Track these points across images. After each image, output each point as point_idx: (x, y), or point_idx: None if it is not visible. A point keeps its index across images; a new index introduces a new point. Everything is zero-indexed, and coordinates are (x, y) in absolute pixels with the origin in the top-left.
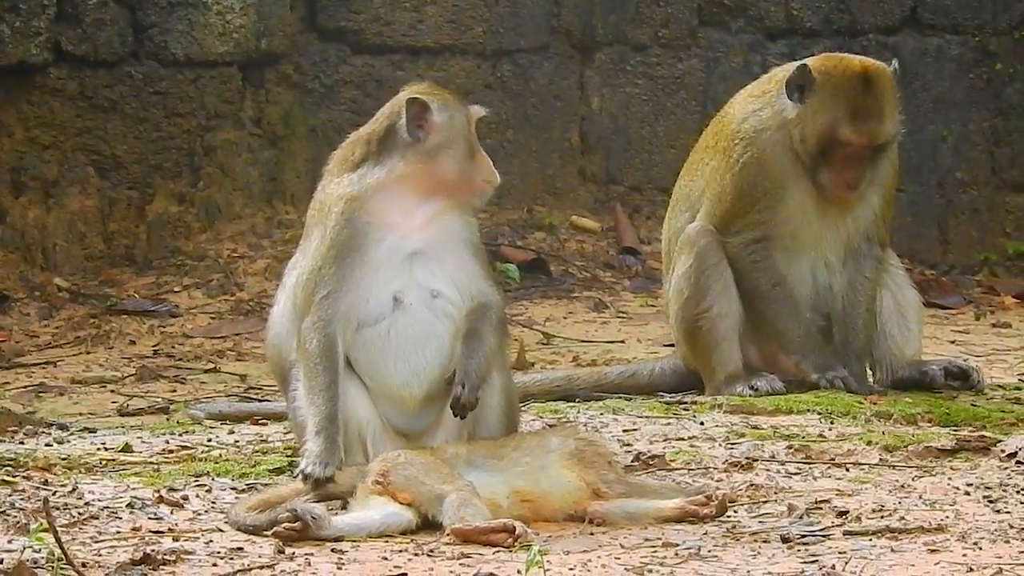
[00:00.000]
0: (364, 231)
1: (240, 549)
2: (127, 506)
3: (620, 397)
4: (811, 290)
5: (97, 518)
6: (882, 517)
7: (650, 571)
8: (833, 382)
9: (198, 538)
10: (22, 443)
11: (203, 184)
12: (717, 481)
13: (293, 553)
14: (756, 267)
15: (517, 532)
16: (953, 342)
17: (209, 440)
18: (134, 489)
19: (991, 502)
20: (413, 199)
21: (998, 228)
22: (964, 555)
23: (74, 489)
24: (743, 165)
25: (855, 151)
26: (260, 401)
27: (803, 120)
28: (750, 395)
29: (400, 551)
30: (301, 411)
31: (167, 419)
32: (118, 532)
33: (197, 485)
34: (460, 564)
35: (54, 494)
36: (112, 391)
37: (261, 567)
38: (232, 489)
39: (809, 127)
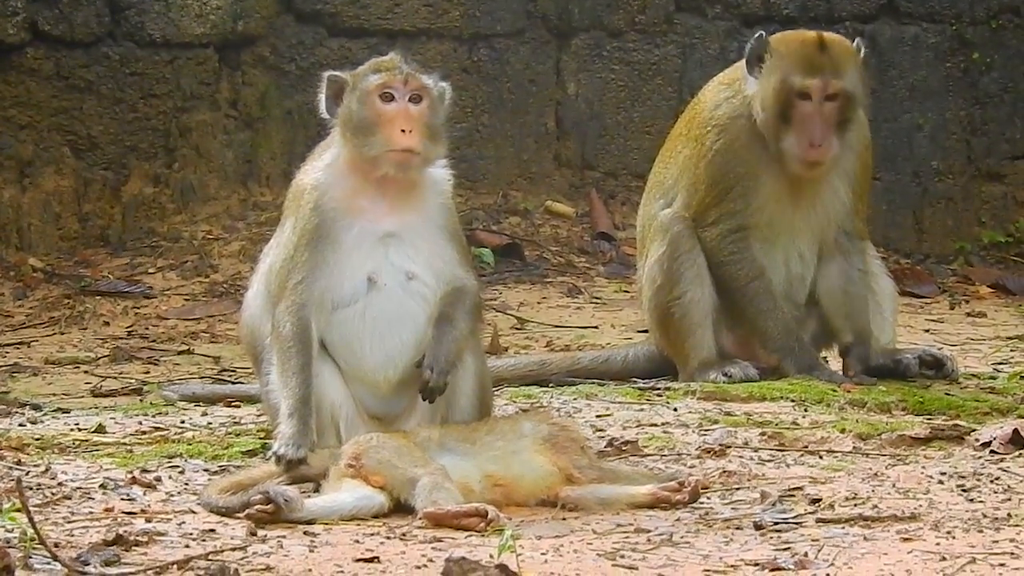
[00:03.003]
0: (333, 217)
1: (212, 531)
2: (100, 487)
3: (593, 382)
4: (784, 280)
5: (70, 498)
6: (855, 505)
7: (622, 556)
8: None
9: (171, 519)
10: None
11: (178, 165)
12: (690, 467)
13: (265, 535)
14: (734, 259)
15: (489, 516)
16: (928, 331)
17: (182, 422)
18: (107, 470)
19: (965, 491)
20: (364, 180)
21: (973, 217)
22: (937, 544)
23: (47, 469)
24: (715, 153)
25: (814, 109)
26: (233, 383)
27: (761, 91)
28: (724, 382)
29: (372, 534)
30: (274, 393)
31: (140, 400)
32: (91, 512)
33: (170, 466)
34: (432, 548)
35: (27, 474)
36: (86, 372)
37: (233, 549)
38: (205, 471)
39: (765, 89)
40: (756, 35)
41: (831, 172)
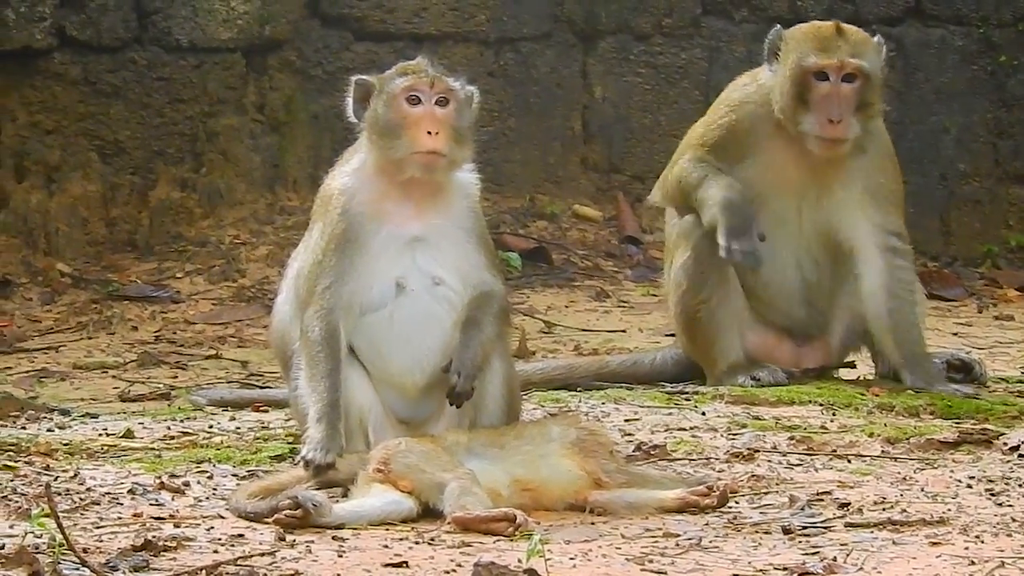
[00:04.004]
0: (360, 222)
1: (241, 536)
2: (128, 492)
3: (621, 386)
4: (800, 287)
5: (98, 504)
6: (884, 509)
7: (651, 561)
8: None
9: (199, 524)
10: (24, 428)
11: (205, 170)
12: (718, 472)
13: (294, 540)
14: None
15: (518, 521)
16: (955, 334)
17: (210, 427)
18: (135, 475)
19: (993, 495)
20: (391, 184)
21: (1001, 220)
22: (966, 548)
23: (76, 475)
24: (718, 127)
25: (831, 88)
26: (261, 388)
27: (778, 79)
28: (752, 386)
29: (401, 539)
30: (303, 398)
31: (168, 405)
32: (119, 518)
33: (198, 471)
34: (460, 552)
35: (56, 479)
36: (114, 377)
37: (262, 554)
38: (233, 476)
39: (782, 76)
40: (773, 28)
41: (844, 169)
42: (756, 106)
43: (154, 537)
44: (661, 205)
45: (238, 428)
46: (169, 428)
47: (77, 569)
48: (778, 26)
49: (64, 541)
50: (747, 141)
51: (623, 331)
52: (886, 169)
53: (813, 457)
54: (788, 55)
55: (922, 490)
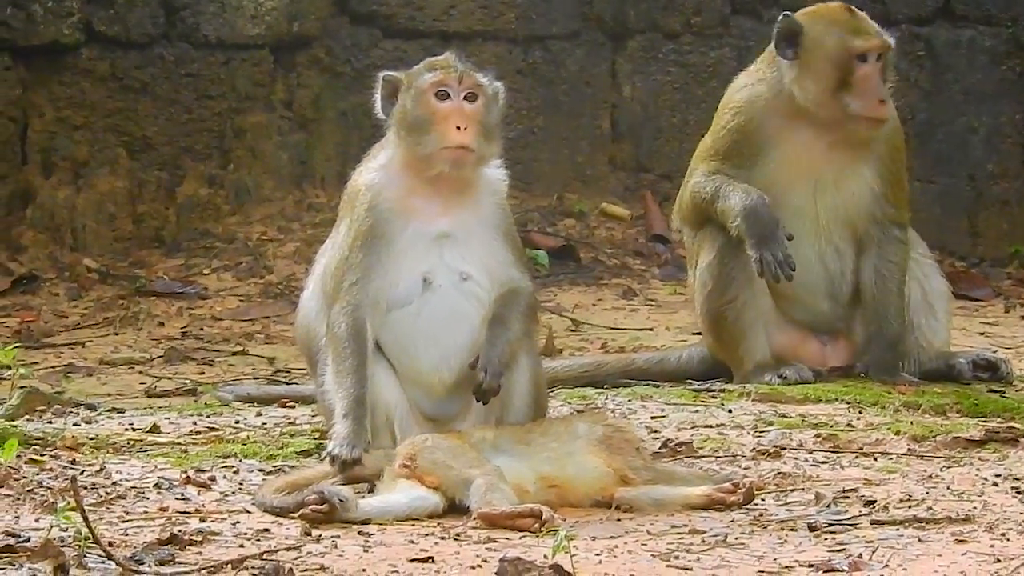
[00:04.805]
0: (387, 218)
1: (267, 531)
2: (154, 486)
3: (648, 384)
4: (823, 278)
5: (124, 498)
6: (910, 507)
7: (677, 558)
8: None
9: (225, 519)
10: (50, 422)
11: (233, 167)
12: (745, 469)
13: (320, 535)
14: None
15: (544, 517)
16: (982, 334)
17: (237, 422)
18: (161, 470)
19: (1019, 493)
20: (419, 180)
21: None
22: (991, 545)
23: (102, 469)
24: (728, 131)
25: (871, 68)
26: (288, 384)
27: (807, 65)
28: (779, 384)
29: (427, 535)
30: (329, 394)
31: (195, 401)
32: (145, 512)
33: (224, 466)
34: (487, 548)
35: (82, 473)
36: (140, 372)
37: (287, 549)
38: (259, 471)
39: (815, 62)
40: (781, 16)
41: (860, 150)
42: (766, 102)
43: (180, 531)
44: (682, 227)
45: (264, 424)
46: (195, 423)
47: (103, 562)
48: (786, 13)
49: (90, 535)
50: (760, 140)
51: (650, 329)
52: (894, 145)
53: (839, 455)
54: (820, 42)
55: (948, 488)
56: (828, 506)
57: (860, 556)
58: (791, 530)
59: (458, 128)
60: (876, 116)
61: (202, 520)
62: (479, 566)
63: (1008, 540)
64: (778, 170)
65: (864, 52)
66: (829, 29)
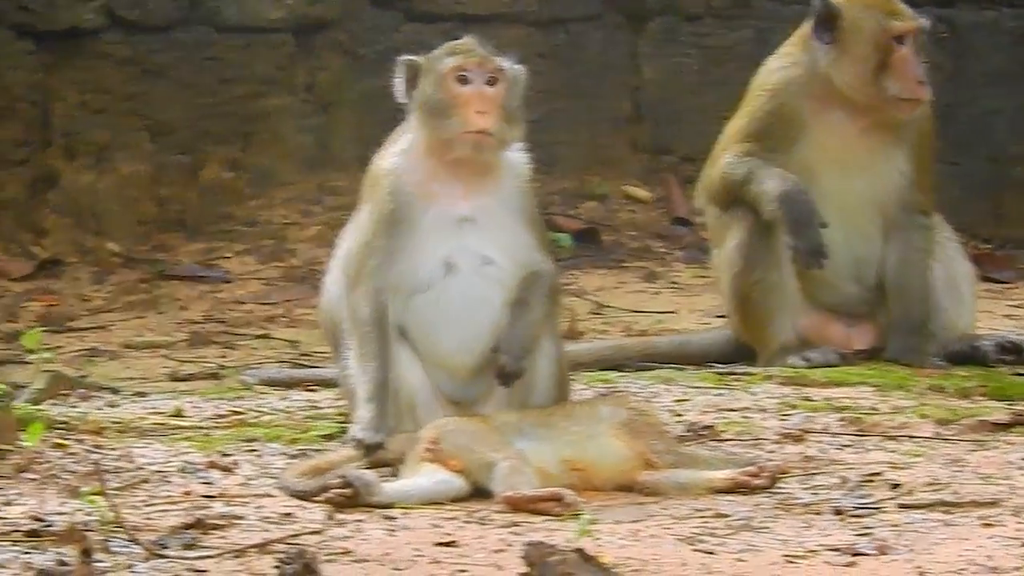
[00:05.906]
0: (409, 202)
1: (290, 514)
2: (179, 470)
3: (671, 367)
4: (849, 263)
5: (148, 482)
6: (935, 491)
7: (701, 541)
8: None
9: (248, 503)
10: (74, 407)
11: (254, 150)
12: (769, 452)
13: (344, 519)
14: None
15: (567, 501)
16: (1008, 316)
17: (260, 406)
18: (185, 454)
19: None
20: (440, 164)
21: None
22: (1018, 529)
23: (126, 453)
24: (764, 113)
25: (909, 49)
26: (311, 367)
27: (845, 49)
28: (804, 366)
29: (450, 518)
30: (352, 378)
31: (218, 384)
32: (169, 496)
33: (248, 450)
34: (510, 532)
35: (105, 458)
36: (164, 356)
37: (311, 532)
38: (283, 455)
39: (857, 46)
40: (817, 1)
41: (892, 133)
42: (800, 86)
43: (204, 515)
44: (707, 207)
45: (288, 407)
46: (219, 407)
47: (127, 546)
48: None
49: (115, 519)
50: (794, 123)
51: (673, 312)
52: (923, 130)
53: (864, 438)
54: (858, 25)
55: (974, 471)
56: (853, 490)
57: (886, 540)
58: (816, 514)
59: (479, 112)
60: (916, 97)
61: (226, 504)
62: (503, 550)
63: None
64: (810, 154)
65: (902, 34)
66: (867, 12)
